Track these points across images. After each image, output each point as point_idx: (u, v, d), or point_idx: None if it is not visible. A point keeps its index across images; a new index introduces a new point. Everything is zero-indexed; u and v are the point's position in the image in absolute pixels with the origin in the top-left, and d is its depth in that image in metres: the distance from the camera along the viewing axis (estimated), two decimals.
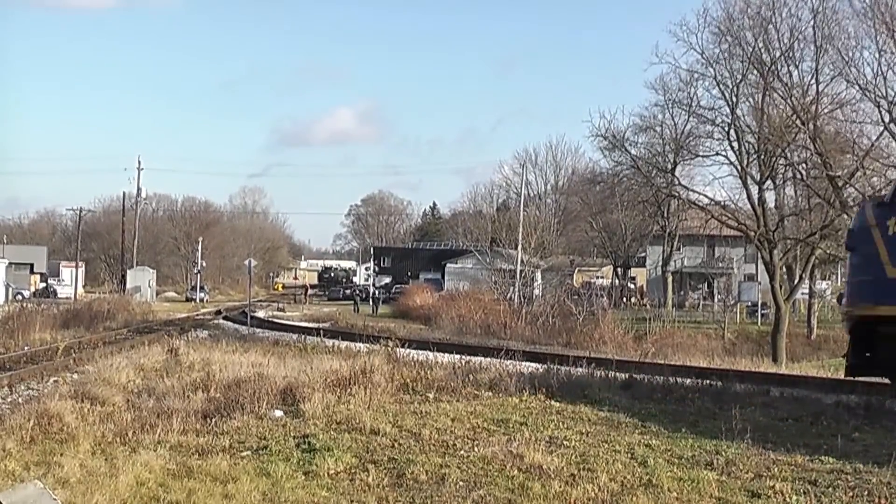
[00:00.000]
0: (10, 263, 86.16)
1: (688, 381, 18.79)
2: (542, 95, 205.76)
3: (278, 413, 15.98)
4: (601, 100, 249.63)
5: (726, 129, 55.56)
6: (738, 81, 53.88)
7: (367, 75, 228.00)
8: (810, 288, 70.48)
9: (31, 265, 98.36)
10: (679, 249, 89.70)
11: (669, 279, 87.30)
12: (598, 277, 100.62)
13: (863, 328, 18.09)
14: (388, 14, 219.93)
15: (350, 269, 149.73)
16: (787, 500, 10.76)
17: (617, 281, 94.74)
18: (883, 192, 17.24)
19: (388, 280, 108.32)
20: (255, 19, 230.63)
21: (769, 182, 55.12)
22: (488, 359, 21.05)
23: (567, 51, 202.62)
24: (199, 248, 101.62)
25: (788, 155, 52.94)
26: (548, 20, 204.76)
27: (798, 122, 51.10)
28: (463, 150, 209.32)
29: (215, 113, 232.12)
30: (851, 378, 18.49)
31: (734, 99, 54.32)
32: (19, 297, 74.46)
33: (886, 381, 17.19)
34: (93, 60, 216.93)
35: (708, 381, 18.70)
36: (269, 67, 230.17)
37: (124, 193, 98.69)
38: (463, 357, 22.56)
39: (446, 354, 23.55)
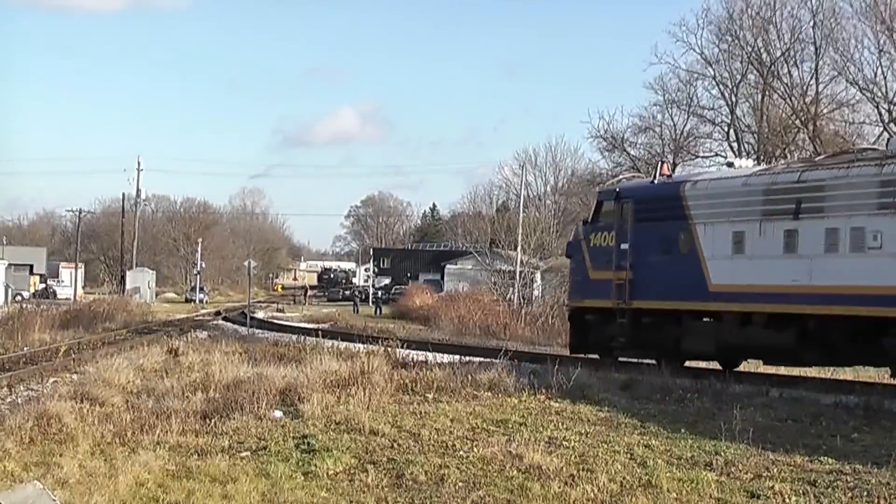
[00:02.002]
0: (10, 264, 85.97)
1: (687, 381, 18.80)
2: (545, 96, 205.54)
3: (277, 414, 15.98)
4: (602, 100, 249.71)
5: (726, 129, 55.62)
6: (737, 82, 53.94)
7: (371, 76, 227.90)
8: None
9: (31, 266, 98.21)
10: None
11: None
12: None
13: (577, 316, 24.71)
14: (392, 15, 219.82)
15: (350, 270, 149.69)
16: (787, 500, 10.76)
17: None
18: None
19: (387, 281, 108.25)
20: (259, 21, 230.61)
21: None
22: (488, 359, 21.03)
23: (570, 51, 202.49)
24: (199, 249, 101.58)
25: (788, 155, 52.91)
26: (551, 21, 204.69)
27: (798, 122, 51.17)
28: (465, 150, 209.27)
29: (218, 114, 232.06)
30: (576, 356, 23.83)
31: (734, 99, 54.41)
32: (19, 298, 74.43)
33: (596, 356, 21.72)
34: (95, 61, 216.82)
35: (707, 382, 18.70)
36: (273, 69, 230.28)
37: (123, 194, 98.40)
38: (462, 358, 22.53)
39: (446, 355, 23.53)
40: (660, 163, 24.54)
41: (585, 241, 24.70)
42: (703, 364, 22.97)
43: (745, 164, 23.37)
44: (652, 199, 23.22)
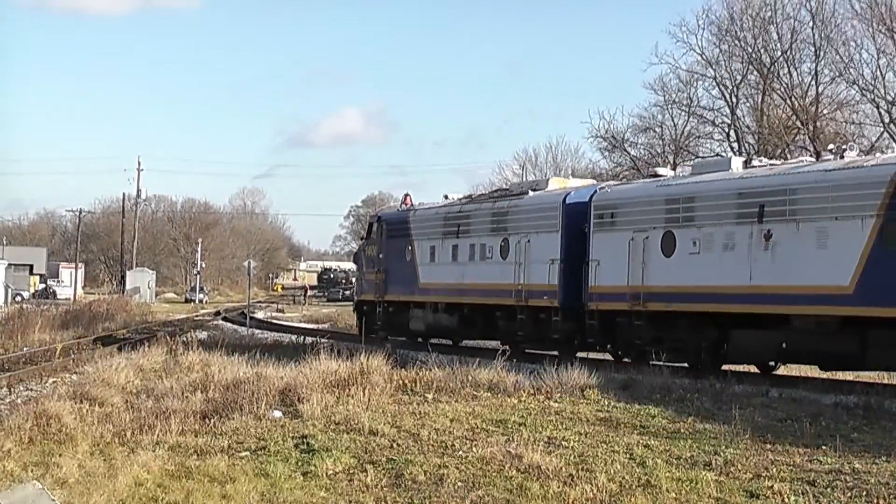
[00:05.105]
0: (10, 264, 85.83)
1: (686, 381, 18.79)
2: (547, 97, 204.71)
3: (277, 414, 15.99)
4: (603, 100, 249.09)
5: (726, 129, 55.51)
6: (737, 82, 53.82)
7: (376, 78, 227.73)
8: None
9: (31, 266, 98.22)
10: None
11: None
12: None
13: (360, 308, 34.79)
14: (397, 18, 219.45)
15: (350, 270, 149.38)
16: (786, 500, 10.76)
17: None
18: None
19: None
20: (264, 23, 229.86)
21: None
22: (487, 359, 21.07)
23: (571, 52, 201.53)
24: (199, 249, 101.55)
25: (788, 156, 52.84)
26: (553, 22, 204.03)
27: (798, 122, 51.07)
28: (468, 151, 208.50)
29: (222, 115, 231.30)
30: (368, 335, 31.75)
31: (734, 99, 54.26)
32: (19, 298, 74.45)
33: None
34: (99, 63, 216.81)
35: (707, 382, 18.69)
36: (277, 70, 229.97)
37: (124, 194, 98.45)
38: (462, 357, 22.56)
39: (445, 355, 23.59)
40: (405, 194, 34.32)
41: (363, 252, 34.44)
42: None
43: (454, 197, 31.86)
44: (395, 222, 32.36)
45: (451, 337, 30.61)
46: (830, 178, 19.29)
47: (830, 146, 22.81)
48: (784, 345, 20.20)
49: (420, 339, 30.84)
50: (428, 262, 29.95)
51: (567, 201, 25.18)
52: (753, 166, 22.31)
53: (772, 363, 21.95)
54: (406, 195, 33.85)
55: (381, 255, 32.20)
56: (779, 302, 19.93)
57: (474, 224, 28.29)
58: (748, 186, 20.80)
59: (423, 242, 30.31)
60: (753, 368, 22.61)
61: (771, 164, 22.41)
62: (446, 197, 32.08)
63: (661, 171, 25.98)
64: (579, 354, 25.37)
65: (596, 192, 24.68)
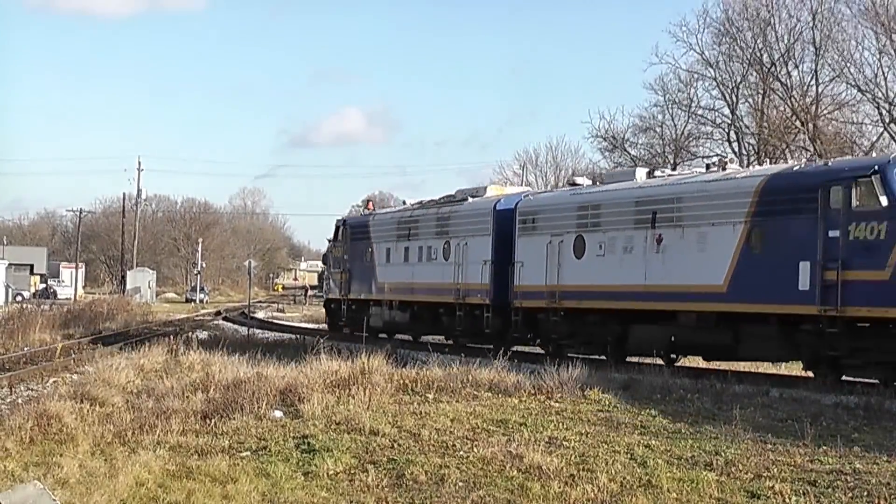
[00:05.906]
0: (10, 264, 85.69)
1: (687, 381, 18.80)
2: (548, 97, 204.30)
3: (278, 414, 15.99)
4: (604, 100, 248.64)
5: (726, 129, 55.50)
6: (737, 82, 53.80)
7: (378, 79, 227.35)
8: None
9: (31, 266, 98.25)
10: None
11: None
12: None
13: (328, 305, 38.04)
14: (399, 19, 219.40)
15: None
16: (787, 500, 10.77)
17: None
18: None
19: None
20: (267, 25, 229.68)
21: None
22: (488, 359, 21.08)
23: (572, 52, 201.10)
24: (199, 249, 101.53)
25: (788, 156, 52.74)
26: (554, 22, 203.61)
27: (798, 122, 51.06)
28: (470, 151, 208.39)
29: (224, 115, 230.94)
30: (336, 331, 34.84)
31: (734, 100, 54.24)
32: (19, 298, 74.45)
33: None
34: (99, 62, 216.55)
35: (707, 382, 18.70)
36: (280, 72, 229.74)
37: (124, 194, 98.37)
38: (462, 357, 22.59)
39: (446, 355, 23.62)
40: (367, 200, 38.35)
41: (331, 253, 37.13)
42: (702, 364, 23.22)
43: (409, 203, 33.64)
44: (358, 226, 35.04)
45: (406, 332, 32.34)
46: (708, 189, 21.37)
47: (715, 159, 24.59)
48: (673, 338, 22.22)
49: (381, 335, 32.64)
50: (384, 262, 32.43)
51: (497, 207, 27.52)
52: (654, 177, 24.20)
53: (673, 356, 23.23)
54: (368, 200, 37.81)
55: (345, 257, 35.06)
56: (667, 299, 21.96)
57: (422, 228, 30.74)
58: (644, 195, 22.77)
59: (381, 245, 32.83)
60: (763, 368, 22.66)
61: (669, 174, 24.67)
62: (405, 202, 34.17)
63: (578, 179, 28.53)
64: (577, 354, 25.72)
65: (521, 199, 27.03)
